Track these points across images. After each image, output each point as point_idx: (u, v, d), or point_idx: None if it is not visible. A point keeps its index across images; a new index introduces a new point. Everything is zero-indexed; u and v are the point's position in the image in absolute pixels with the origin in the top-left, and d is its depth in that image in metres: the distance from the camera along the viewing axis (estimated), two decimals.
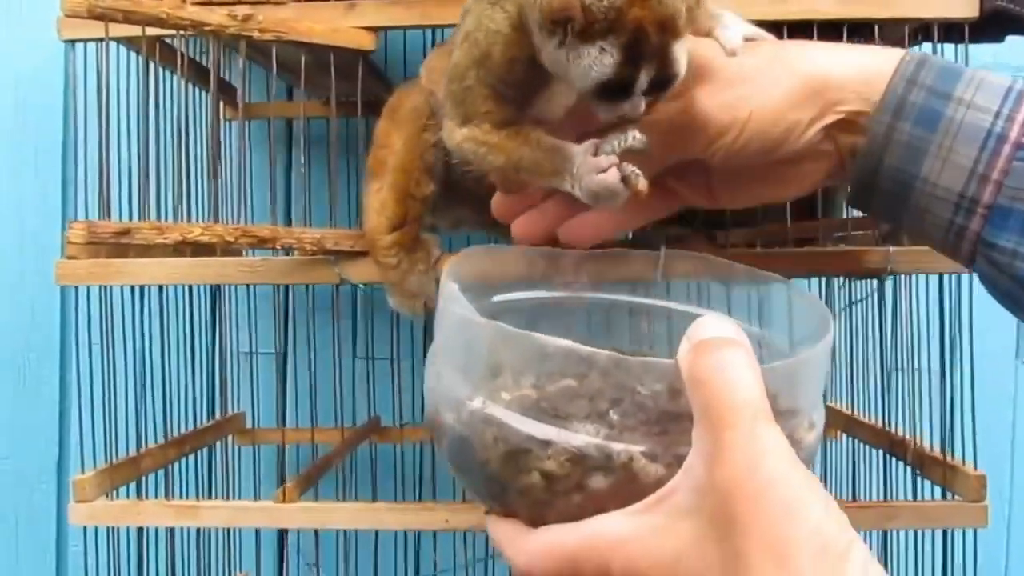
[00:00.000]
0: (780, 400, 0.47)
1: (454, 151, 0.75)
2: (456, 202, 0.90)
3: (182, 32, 0.85)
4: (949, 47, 0.94)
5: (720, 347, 0.45)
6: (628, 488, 0.46)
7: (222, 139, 1.00)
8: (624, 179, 0.63)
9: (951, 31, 0.92)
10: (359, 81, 0.91)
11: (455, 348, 0.53)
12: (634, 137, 0.66)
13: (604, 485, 0.47)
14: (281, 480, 1.28)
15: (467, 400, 0.50)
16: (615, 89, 0.66)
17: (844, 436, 1.06)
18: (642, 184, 0.62)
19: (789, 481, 0.42)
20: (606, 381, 0.47)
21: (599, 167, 0.65)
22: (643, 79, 0.65)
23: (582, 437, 0.47)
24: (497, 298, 0.68)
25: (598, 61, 0.65)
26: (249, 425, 1.19)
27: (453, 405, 0.51)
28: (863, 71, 0.61)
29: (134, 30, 0.84)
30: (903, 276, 0.89)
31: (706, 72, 0.64)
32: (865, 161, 0.60)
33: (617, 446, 0.46)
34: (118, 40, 0.88)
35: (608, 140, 0.66)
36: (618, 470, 0.46)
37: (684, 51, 0.68)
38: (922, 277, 0.90)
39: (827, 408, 1.10)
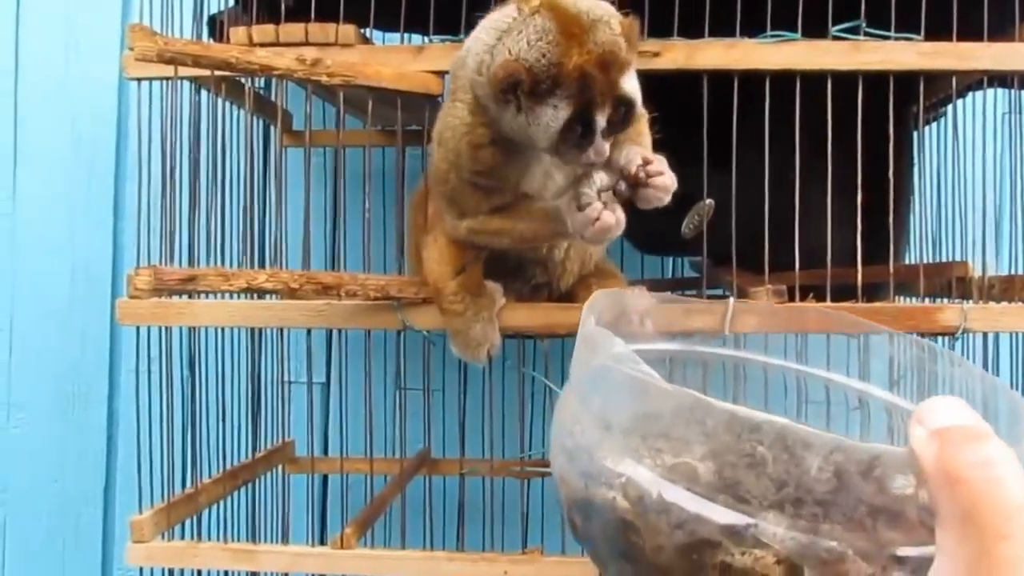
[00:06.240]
0: None
1: (464, 241, 0.85)
2: None
3: (250, 75, 0.85)
4: None
5: (976, 440, 0.38)
6: None
7: (279, 166, 1.00)
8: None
9: None
10: (426, 112, 0.90)
11: (619, 410, 0.45)
12: (601, 180, 0.74)
13: None
14: (323, 510, 1.29)
15: (630, 473, 0.42)
16: (577, 137, 0.72)
17: None
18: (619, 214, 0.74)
19: None
20: (795, 462, 0.38)
21: (589, 220, 0.73)
22: (600, 120, 0.72)
23: (783, 530, 0.39)
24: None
25: (554, 117, 0.71)
26: (300, 453, 1.18)
27: (614, 481, 0.43)
28: None
29: (201, 70, 0.84)
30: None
31: None
32: None
33: (827, 542, 0.38)
34: (183, 79, 0.88)
35: (583, 190, 0.74)
36: (824, 569, 0.39)
37: (634, 82, 0.73)
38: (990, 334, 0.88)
39: None
